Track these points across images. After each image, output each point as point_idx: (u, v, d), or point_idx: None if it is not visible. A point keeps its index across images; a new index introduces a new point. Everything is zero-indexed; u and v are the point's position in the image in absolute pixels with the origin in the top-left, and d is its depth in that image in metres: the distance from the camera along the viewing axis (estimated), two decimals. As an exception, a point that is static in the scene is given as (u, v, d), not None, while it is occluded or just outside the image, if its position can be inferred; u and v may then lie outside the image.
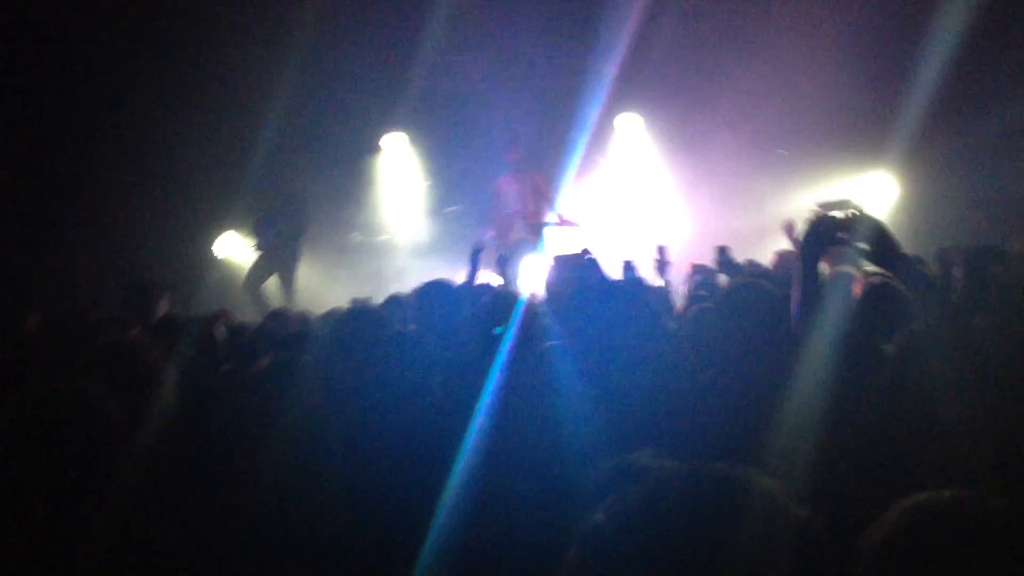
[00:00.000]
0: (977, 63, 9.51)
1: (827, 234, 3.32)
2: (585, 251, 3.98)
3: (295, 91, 10.82)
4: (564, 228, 10.49)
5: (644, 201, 11.74)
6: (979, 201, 9.54)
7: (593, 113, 11.46)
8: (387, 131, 11.73)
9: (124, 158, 10.76)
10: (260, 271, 10.58)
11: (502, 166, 10.66)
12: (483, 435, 3.17)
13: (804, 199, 9.94)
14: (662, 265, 6.83)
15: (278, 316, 6.59)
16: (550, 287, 3.97)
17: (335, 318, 4.91)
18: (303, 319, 6.71)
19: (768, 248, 8.55)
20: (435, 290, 4.76)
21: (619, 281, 4.23)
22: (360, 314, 4.45)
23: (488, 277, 10.15)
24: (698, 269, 6.72)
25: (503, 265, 6.80)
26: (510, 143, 10.57)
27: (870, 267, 4.04)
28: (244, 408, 3.29)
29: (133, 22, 10.43)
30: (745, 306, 3.96)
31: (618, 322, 3.55)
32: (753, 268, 6.25)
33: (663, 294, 6.02)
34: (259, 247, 10.72)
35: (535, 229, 10.39)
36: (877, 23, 10.07)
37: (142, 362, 3.69)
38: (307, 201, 10.95)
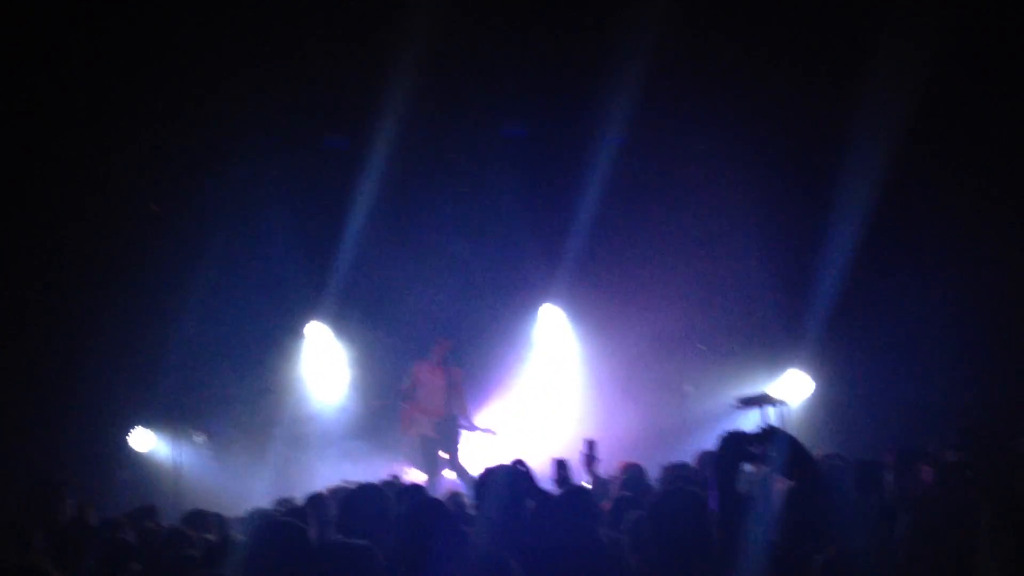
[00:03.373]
0: (877, 267, 10.14)
1: (739, 449, 3.38)
2: (518, 462, 4.00)
3: (215, 281, 10.85)
4: (481, 434, 10.54)
5: (569, 394, 11.81)
6: (887, 400, 9.92)
7: (515, 305, 11.72)
8: (310, 319, 11.71)
9: (31, 348, 10.52)
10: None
11: (422, 354, 10.66)
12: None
13: (725, 395, 10.19)
14: (590, 460, 6.82)
15: (196, 519, 6.37)
16: (483, 498, 3.96)
17: (256, 525, 4.74)
18: (220, 522, 6.48)
19: (692, 443, 8.68)
20: (360, 498, 4.68)
21: (554, 495, 4.23)
22: (282, 526, 4.31)
23: (415, 473, 10.07)
24: (628, 468, 6.74)
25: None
26: (439, 337, 10.60)
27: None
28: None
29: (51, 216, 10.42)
30: (677, 514, 3.95)
31: (554, 536, 3.52)
32: (679, 471, 6.28)
33: (592, 496, 5.99)
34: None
35: (445, 426, 10.32)
36: (785, 228, 10.68)
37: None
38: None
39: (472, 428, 10.57)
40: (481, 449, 10.52)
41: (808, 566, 3.58)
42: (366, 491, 4.81)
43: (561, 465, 6.06)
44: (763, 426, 3.45)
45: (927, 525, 3.44)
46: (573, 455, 6.81)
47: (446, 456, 10.24)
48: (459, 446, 10.34)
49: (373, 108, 10.33)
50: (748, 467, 3.68)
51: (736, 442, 3.40)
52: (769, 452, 3.40)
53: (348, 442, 11.02)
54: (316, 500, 6.02)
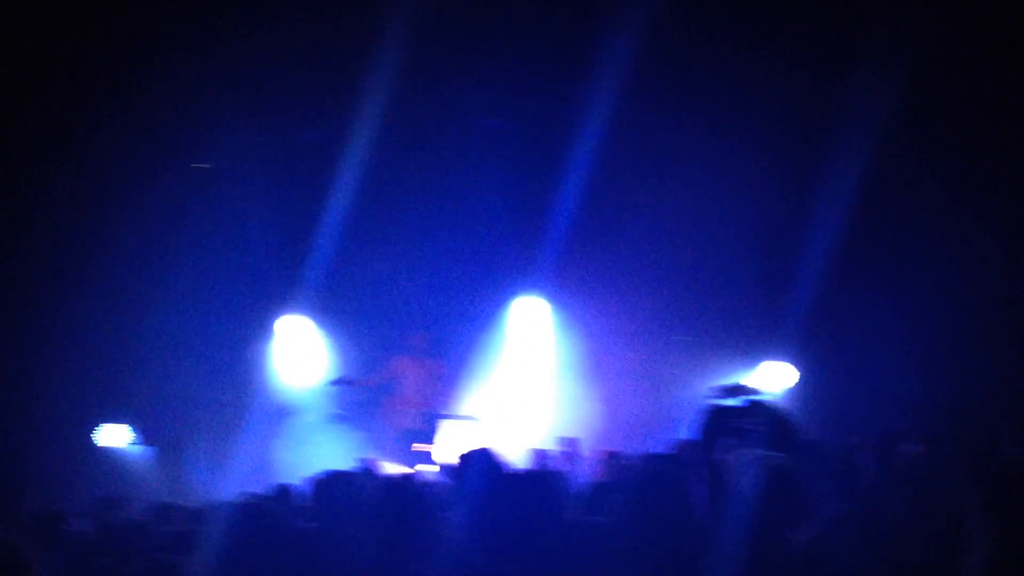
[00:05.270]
0: (860, 257, 10.12)
1: (721, 422, 3.28)
2: (486, 449, 3.93)
3: (187, 272, 10.67)
4: (462, 422, 10.42)
5: (547, 384, 11.71)
6: (868, 390, 9.89)
7: (494, 297, 11.63)
8: (285, 312, 11.52)
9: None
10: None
11: (401, 347, 10.59)
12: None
13: (702, 385, 10.10)
14: (572, 457, 6.77)
15: (161, 511, 6.23)
16: (458, 483, 3.88)
17: (221, 513, 4.60)
18: (195, 515, 6.33)
19: (672, 433, 8.57)
20: (331, 485, 4.55)
21: (522, 473, 4.13)
22: (248, 511, 4.17)
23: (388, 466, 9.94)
24: (610, 456, 6.66)
25: None
26: (416, 329, 10.56)
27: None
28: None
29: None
30: (658, 494, 3.85)
31: (527, 518, 3.43)
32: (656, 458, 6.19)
33: (566, 482, 5.90)
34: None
35: (426, 419, 10.24)
36: (767, 219, 10.66)
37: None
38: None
39: (456, 417, 10.48)
40: (461, 439, 10.41)
41: (789, 544, 3.49)
42: (337, 478, 4.68)
43: (543, 455, 5.97)
44: (748, 401, 3.33)
45: (915, 498, 3.37)
46: (551, 445, 6.72)
47: (423, 449, 10.18)
48: (437, 439, 10.28)
49: (350, 100, 10.18)
50: (731, 442, 3.57)
51: (718, 416, 3.29)
52: (752, 427, 3.28)
53: (321, 432, 10.87)
54: (282, 489, 5.92)
